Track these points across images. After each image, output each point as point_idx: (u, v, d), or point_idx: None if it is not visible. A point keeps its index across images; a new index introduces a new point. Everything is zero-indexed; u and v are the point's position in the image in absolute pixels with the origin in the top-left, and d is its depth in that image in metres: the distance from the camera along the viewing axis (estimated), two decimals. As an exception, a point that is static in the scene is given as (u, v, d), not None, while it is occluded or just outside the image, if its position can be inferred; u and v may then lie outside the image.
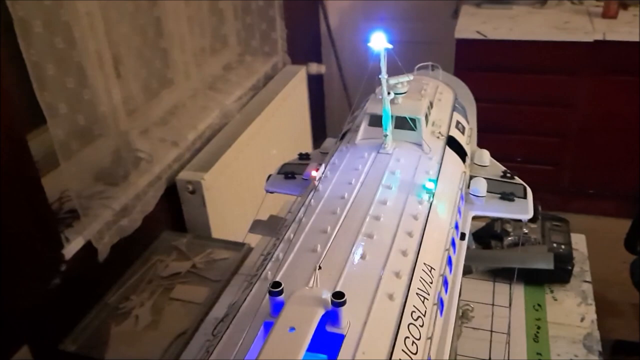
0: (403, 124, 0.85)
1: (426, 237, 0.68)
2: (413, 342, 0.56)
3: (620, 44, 2.17)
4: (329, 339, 0.54)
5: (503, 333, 1.00)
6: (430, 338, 0.58)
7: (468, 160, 0.92)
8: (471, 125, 1.01)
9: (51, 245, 1.34)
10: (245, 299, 0.60)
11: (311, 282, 0.59)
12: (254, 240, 1.59)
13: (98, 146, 1.52)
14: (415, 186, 0.76)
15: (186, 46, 1.83)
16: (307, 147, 2.62)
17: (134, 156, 1.61)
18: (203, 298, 1.42)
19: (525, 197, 0.87)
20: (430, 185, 0.75)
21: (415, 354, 0.55)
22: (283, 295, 0.55)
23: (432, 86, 1.02)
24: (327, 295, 0.54)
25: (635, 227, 1.69)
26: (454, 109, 0.98)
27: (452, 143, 0.89)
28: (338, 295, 0.53)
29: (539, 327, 1.01)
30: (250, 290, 0.61)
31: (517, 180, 0.91)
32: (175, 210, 1.79)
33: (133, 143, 1.63)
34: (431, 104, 0.93)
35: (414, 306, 0.59)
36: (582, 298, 1.07)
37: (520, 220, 1.16)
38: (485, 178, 0.87)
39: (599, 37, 2.17)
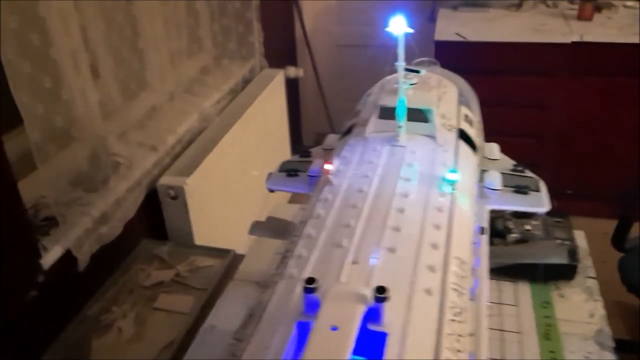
0: (414, 115, 0.82)
1: (453, 229, 0.65)
2: (457, 339, 0.52)
3: (598, 45, 2.19)
4: (368, 339, 0.50)
5: (513, 332, 0.97)
6: (473, 334, 0.54)
7: (479, 153, 0.89)
8: (477, 119, 0.98)
9: (28, 255, 1.25)
10: (270, 299, 0.55)
11: (343, 277, 0.55)
12: (237, 246, 1.54)
13: (75, 150, 1.44)
14: (435, 178, 0.73)
15: (162, 47, 1.77)
16: (285, 150, 2.58)
17: (113, 161, 1.54)
18: (189, 307, 1.37)
19: (538, 190, 0.84)
20: (452, 176, 0.71)
21: (461, 351, 0.51)
22: (317, 292, 0.50)
23: (435, 79, 0.99)
24: (367, 291, 0.50)
25: (622, 225, 1.70)
26: (459, 102, 0.95)
27: (462, 136, 0.86)
28: (380, 290, 0.48)
29: (549, 325, 0.98)
30: (274, 290, 0.57)
31: (529, 173, 0.89)
32: (155, 217, 1.71)
33: (111, 147, 1.56)
34: (439, 97, 0.90)
35: (452, 301, 0.55)
36: (589, 294, 1.05)
37: (523, 216, 1.15)
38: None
39: (576, 38, 2.20)
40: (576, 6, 2.43)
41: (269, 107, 2.30)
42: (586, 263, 1.12)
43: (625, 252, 1.71)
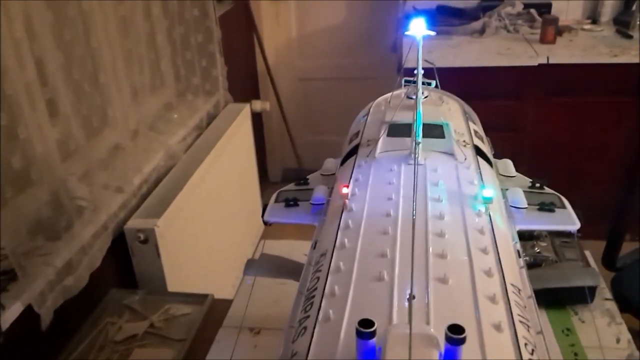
0: (428, 131, 0.75)
1: (501, 253, 0.57)
2: (541, 382, 0.43)
3: (564, 66, 2.21)
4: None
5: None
6: (553, 376, 0.46)
7: (494, 170, 0.82)
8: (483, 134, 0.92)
9: (-16, 314, 1.11)
10: (309, 348, 0.45)
11: (395, 316, 0.45)
12: (215, 290, 1.43)
13: (34, 194, 1.31)
14: (466, 197, 0.65)
15: (123, 82, 1.66)
16: (254, 186, 2.48)
17: (76, 205, 1.41)
18: (168, 361, 1.23)
19: (564, 206, 0.78)
20: (488, 192, 0.63)
21: (549, 398, 0.42)
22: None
23: (435, 96, 0.93)
24: (434, 331, 0.40)
25: (612, 244, 1.66)
26: (467, 117, 0.89)
27: (478, 152, 0.80)
28: (456, 330, 0.39)
29: (576, 354, 0.90)
30: (312, 337, 0.47)
31: (548, 190, 0.82)
32: (123, 264, 1.58)
33: (73, 190, 1.42)
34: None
35: (523, 337, 0.47)
36: (610, 317, 0.98)
37: (528, 238, 1.08)
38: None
39: (543, 60, 2.21)
40: (537, 31, 2.46)
41: (237, 142, 2.21)
42: (600, 284, 1.05)
43: (617, 270, 1.67)
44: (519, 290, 0.53)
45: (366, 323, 0.41)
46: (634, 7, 2.49)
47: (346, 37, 3.02)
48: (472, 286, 0.50)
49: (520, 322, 0.48)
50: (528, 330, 0.48)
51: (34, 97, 1.24)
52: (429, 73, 0.94)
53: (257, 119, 2.95)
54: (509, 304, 0.49)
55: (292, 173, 3.18)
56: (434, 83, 0.82)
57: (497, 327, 0.46)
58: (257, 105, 2.62)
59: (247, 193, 2.39)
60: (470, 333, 0.44)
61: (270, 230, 1.18)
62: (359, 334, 0.40)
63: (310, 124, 3.21)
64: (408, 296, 0.45)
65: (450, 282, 0.50)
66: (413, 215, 0.56)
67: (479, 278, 0.51)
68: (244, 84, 2.89)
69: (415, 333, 0.41)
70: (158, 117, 1.95)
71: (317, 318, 0.49)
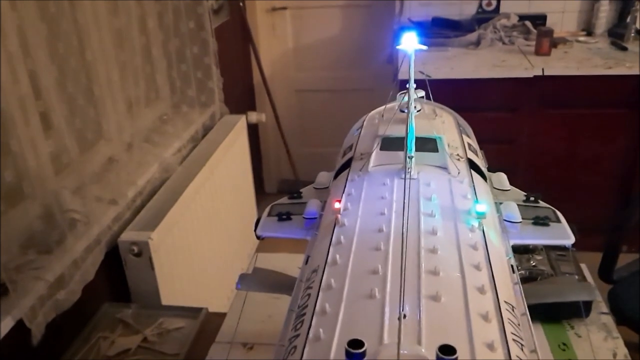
0: (422, 145, 0.74)
1: (494, 270, 0.56)
2: (535, 404, 0.42)
3: (559, 78, 2.22)
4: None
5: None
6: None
7: (488, 184, 0.81)
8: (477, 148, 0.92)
9: (-26, 330, 1.09)
10: (299, 368, 0.45)
11: (386, 336, 0.44)
12: (209, 304, 1.41)
13: (26, 208, 1.30)
14: (459, 212, 0.64)
15: (118, 95, 1.66)
16: (250, 198, 2.47)
17: (68, 218, 1.40)
18: (160, 377, 1.22)
19: (559, 220, 0.77)
20: (481, 207, 0.63)
21: (542, 420, 0.41)
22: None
23: (429, 108, 0.93)
24: (427, 352, 0.40)
25: (609, 256, 1.65)
26: (461, 130, 0.89)
27: (472, 166, 0.79)
28: (447, 351, 0.38)
29: (572, 369, 0.89)
30: (302, 356, 0.46)
31: (543, 204, 0.81)
32: (117, 277, 1.56)
33: (66, 203, 1.41)
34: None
35: (517, 356, 0.46)
36: (607, 332, 0.97)
37: (524, 251, 1.07)
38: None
39: (538, 72, 2.21)
40: (532, 43, 2.47)
41: (232, 154, 2.20)
42: (597, 298, 1.04)
43: (614, 283, 1.66)
44: (513, 307, 0.53)
45: (356, 343, 0.40)
46: (628, 19, 2.50)
47: (342, 49, 3.02)
48: (465, 304, 0.49)
49: (514, 340, 0.48)
50: (522, 349, 0.48)
51: (27, 110, 1.24)
52: (423, 85, 0.94)
53: (253, 131, 2.94)
54: (502, 322, 0.49)
55: (289, 184, 3.18)
56: (423, 93, 0.81)
57: (490, 347, 0.45)
58: (253, 116, 2.62)
59: (243, 205, 2.39)
60: (462, 353, 0.44)
61: (265, 242, 1.17)
62: (349, 355, 0.39)
63: (306, 136, 3.21)
64: (399, 315, 0.44)
65: (442, 299, 0.49)
66: (403, 232, 0.56)
67: (471, 295, 0.50)
68: (240, 95, 2.89)
69: (406, 354, 0.40)
70: (153, 129, 1.94)
71: (307, 337, 0.48)
